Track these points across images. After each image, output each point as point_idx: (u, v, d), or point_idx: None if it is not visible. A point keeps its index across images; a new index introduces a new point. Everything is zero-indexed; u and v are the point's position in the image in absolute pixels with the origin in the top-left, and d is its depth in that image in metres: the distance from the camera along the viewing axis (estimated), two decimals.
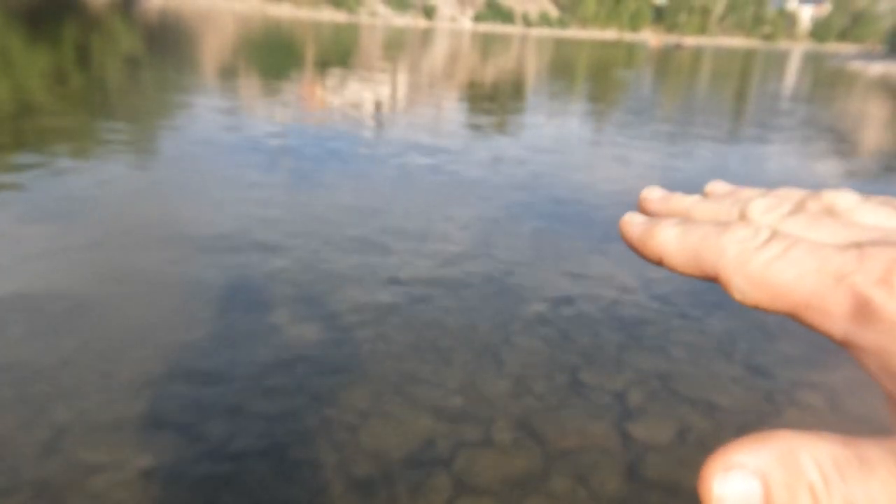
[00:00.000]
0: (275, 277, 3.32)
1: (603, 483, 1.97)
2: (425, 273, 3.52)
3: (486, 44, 46.08)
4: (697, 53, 53.53)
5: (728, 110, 12.97)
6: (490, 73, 18.99)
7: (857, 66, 35.06)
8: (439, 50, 32.22)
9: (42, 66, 11.48)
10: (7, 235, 3.64)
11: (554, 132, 8.72)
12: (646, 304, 3.30)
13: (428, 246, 3.94)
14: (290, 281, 3.29)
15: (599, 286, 3.49)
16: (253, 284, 3.22)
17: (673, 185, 6.00)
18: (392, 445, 2.07)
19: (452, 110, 10.29)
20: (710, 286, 3.56)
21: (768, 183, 6.37)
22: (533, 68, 22.69)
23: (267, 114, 8.39)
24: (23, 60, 12.23)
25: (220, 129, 7.17)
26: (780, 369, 2.73)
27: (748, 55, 57.47)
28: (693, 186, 5.99)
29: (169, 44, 20.08)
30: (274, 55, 19.53)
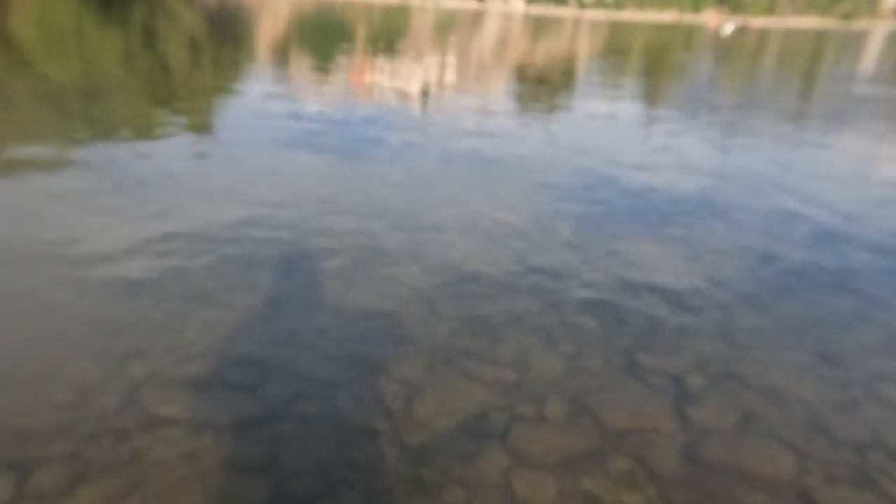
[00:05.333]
0: (330, 251, 3.39)
1: (661, 463, 1.93)
2: (477, 251, 3.51)
3: (538, 27, 45.08)
4: (764, 36, 50.60)
5: (794, 100, 12.24)
6: (540, 57, 18.60)
7: None
8: (489, 34, 31.76)
9: (114, 47, 12.03)
10: (85, 205, 3.86)
11: (601, 118, 8.47)
12: (707, 289, 3.19)
13: (478, 225, 3.92)
14: (346, 254, 3.35)
15: (654, 271, 3.39)
16: (309, 256, 3.30)
17: (728, 179, 5.74)
18: (445, 417, 2.09)
19: (501, 93, 10.15)
20: (769, 268, 3.40)
21: (838, 176, 6.00)
22: (583, 54, 22.07)
23: (320, 95, 8.53)
24: (96, 41, 12.85)
25: (276, 111, 7.34)
26: (857, 359, 2.58)
27: (820, 37, 53.92)
28: (750, 181, 5.71)
29: (228, 26, 20.62)
30: (326, 38, 19.76)
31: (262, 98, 7.93)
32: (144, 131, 5.81)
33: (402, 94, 9.06)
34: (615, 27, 56.62)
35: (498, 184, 4.85)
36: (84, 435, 1.91)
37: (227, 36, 17.05)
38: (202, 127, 6.17)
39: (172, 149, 5.26)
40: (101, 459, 1.82)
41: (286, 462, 1.85)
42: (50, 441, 1.88)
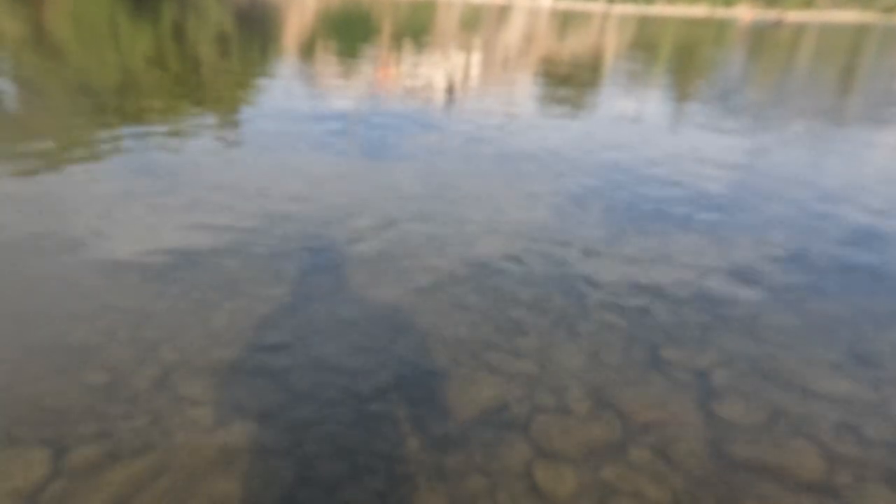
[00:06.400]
0: (355, 243, 3.42)
1: (685, 458, 1.91)
2: (501, 244, 3.50)
3: (565, 23, 44.60)
4: (799, 31, 49.02)
5: (830, 97, 11.86)
6: (566, 53, 18.39)
7: None
8: (515, 29, 31.54)
9: (146, 43, 12.32)
10: (116, 196, 3.97)
11: (628, 116, 8.34)
12: (735, 285, 3.12)
13: (503, 218, 3.91)
14: (370, 246, 3.38)
15: (680, 266, 3.33)
16: (334, 248, 3.34)
17: (759, 176, 5.60)
18: (468, 407, 2.10)
19: (527, 90, 10.08)
20: (801, 266, 3.31)
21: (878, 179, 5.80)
22: (611, 51, 21.75)
23: (346, 91, 8.59)
24: (129, 37, 13.17)
25: (303, 106, 7.42)
26: (891, 359, 2.50)
27: (860, 31, 51.99)
28: (782, 178, 5.56)
29: (257, 22, 20.92)
30: (353, 34, 19.88)
31: (289, 93, 8.03)
32: (174, 125, 5.94)
33: (428, 91, 9.07)
34: (644, 22, 55.62)
35: (523, 179, 4.83)
36: (116, 416, 1.97)
37: (256, 32, 17.29)
38: (230, 121, 6.28)
39: (201, 142, 5.37)
40: (133, 440, 1.88)
41: (311, 447, 1.88)
42: (84, 421, 1.94)
